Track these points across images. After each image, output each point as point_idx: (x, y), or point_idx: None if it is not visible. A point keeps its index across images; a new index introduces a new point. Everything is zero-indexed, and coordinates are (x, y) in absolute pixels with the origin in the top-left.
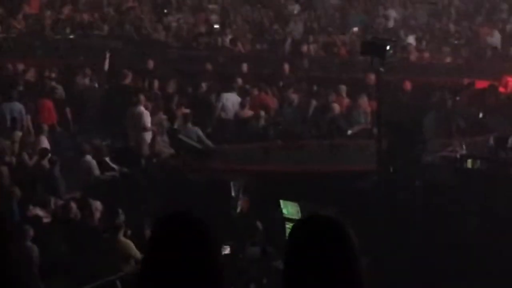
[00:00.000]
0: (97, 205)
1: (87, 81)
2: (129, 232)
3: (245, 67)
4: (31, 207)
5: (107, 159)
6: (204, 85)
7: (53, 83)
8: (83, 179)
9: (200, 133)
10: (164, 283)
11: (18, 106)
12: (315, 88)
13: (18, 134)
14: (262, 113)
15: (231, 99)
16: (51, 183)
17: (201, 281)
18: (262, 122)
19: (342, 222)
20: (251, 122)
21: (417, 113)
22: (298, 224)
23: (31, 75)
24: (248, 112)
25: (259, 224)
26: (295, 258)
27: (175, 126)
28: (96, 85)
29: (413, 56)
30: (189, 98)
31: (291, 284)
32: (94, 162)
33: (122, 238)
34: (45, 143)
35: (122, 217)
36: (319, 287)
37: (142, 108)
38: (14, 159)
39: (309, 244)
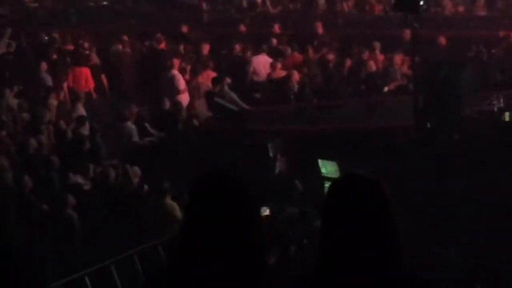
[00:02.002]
0: (136, 170)
1: (121, 47)
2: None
3: (276, 27)
4: (71, 175)
5: (146, 124)
6: (238, 47)
7: (88, 51)
8: (123, 146)
9: (235, 96)
10: (204, 243)
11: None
12: (349, 46)
13: (54, 102)
14: (296, 73)
15: (261, 61)
16: (93, 150)
17: (240, 239)
18: (295, 82)
19: (380, 181)
20: (284, 83)
21: (453, 67)
22: (336, 183)
23: (66, 43)
24: (281, 73)
25: (298, 184)
26: (333, 216)
27: (212, 90)
28: (130, 50)
29: (448, 10)
30: (223, 61)
31: (329, 242)
32: (134, 128)
33: (169, 201)
34: (81, 110)
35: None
36: (357, 245)
37: (175, 72)
38: (51, 128)
39: (347, 203)
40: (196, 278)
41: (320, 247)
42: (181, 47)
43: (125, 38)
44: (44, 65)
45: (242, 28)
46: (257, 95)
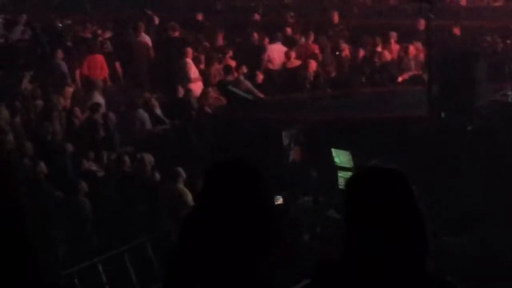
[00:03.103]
0: (149, 158)
1: (136, 35)
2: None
3: (290, 16)
4: (84, 161)
5: (158, 112)
6: (256, 36)
7: (102, 38)
8: (136, 133)
9: (250, 84)
10: (216, 227)
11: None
12: (364, 36)
13: (69, 89)
14: (311, 62)
15: (276, 50)
16: (107, 137)
17: (254, 223)
18: (310, 71)
19: (405, 175)
20: (299, 72)
21: (467, 57)
22: (358, 175)
23: (81, 30)
24: (295, 62)
25: (314, 172)
26: (358, 209)
27: (226, 78)
28: (146, 38)
29: (463, 1)
30: (238, 50)
31: (354, 235)
32: (146, 116)
33: (181, 186)
34: (98, 98)
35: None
36: (383, 239)
37: (188, 60)
38: (66, 115)
39: (372, 195)
40: (209, 266)
41: (346, 239)
42: (195, 35)
43: (141, 25)
44: (60, 53)
45: (257, 16)
46: (271, 84)
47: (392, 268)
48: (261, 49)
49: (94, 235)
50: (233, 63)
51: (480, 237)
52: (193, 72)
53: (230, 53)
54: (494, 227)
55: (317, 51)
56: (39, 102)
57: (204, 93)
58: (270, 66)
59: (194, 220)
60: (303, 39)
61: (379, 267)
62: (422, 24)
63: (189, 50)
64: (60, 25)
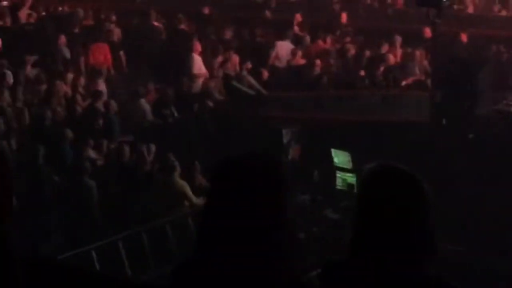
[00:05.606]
0: (151, 148)
1: (144, 24)
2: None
3: (299, 16)
4: (85, 149)
5: (160, 103)
6: (259, 32)
7: (111, 26)
8: (136, 123)
9: (253, 80)
10: (228, 229)
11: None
12: (370, 38)
13: (71, 76)
14: (317, 61)
15: (285, 47)
16: (106, 126)
17: (269, 224)
18: (316, 70)
19: (419, 177)
20: (304, 71)
21: (472, 66)
22: (372, 174)
23: (87, 18)
24: (301, 60)
25: (312, 171)
26: (370, 208)
27: (230, 73)
28: (155, 23)
29: (470, 8)
30: (245, 45)
31: (362, 235)
32: (148, 106)
33: (178, 179)
34: (101, 86)
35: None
36: (393, 241)
37: (194, 55)
38: (67, 101)
39: (386, 196)
40: (223, 268)
41: (353, 235)
42: (203, 28)
43: (152, 12)
44: (63, 38)
45: (267, 13)
46: (276, 81)
47: (397, 270)
48: (269, 46)
49: (96, 219)
50: (236, 58)
51: (479, 245)
52: (199, 67)
53: (234, 48)
54: (493, 235)
55: (323, 51)
56: (42, 87)
57: (207, 86)
58: (277, 63)
59: (210, 221)
60: (308, 38)
61: (384, 268)
62: (427, 32)
63: (197, 44)
64: (61, 9)
